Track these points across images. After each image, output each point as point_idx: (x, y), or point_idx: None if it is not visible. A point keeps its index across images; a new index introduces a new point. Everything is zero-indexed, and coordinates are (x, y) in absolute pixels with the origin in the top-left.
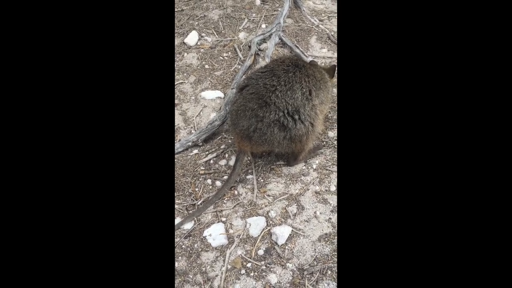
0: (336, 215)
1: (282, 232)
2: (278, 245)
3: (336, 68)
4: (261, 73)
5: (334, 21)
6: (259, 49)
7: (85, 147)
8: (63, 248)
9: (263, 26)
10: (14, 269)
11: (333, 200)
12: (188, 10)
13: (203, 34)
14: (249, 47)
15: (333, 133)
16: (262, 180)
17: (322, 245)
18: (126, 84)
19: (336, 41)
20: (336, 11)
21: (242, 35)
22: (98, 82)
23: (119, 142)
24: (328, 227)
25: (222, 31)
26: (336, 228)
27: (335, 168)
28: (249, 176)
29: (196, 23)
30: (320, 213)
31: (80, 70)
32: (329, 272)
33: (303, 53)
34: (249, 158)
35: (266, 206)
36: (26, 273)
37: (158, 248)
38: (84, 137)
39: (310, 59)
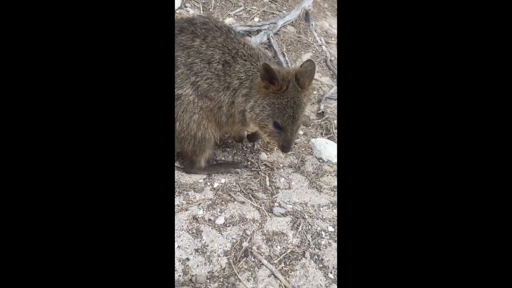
0: (197, 258)
1: None
2: None
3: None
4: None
5: None
6: None
7: (82, 139)
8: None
9: (256, 19)
10: (15, 269)
11: (209, 236)
12: None
13: (187, 4)
14: None
15: (266, 156)
16: None
17: None
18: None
19: (332, 68)
20: None
21: (229, 20)
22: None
23: (114, 129)
24: (178, 274)
25: (210, 10)
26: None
27: (240, 198)
28: None
29: None
30: (179, 246)
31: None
32: None
33: (287, 63)
34: None
35: None
36: (26, 270)
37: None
38: (81, 128)
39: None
